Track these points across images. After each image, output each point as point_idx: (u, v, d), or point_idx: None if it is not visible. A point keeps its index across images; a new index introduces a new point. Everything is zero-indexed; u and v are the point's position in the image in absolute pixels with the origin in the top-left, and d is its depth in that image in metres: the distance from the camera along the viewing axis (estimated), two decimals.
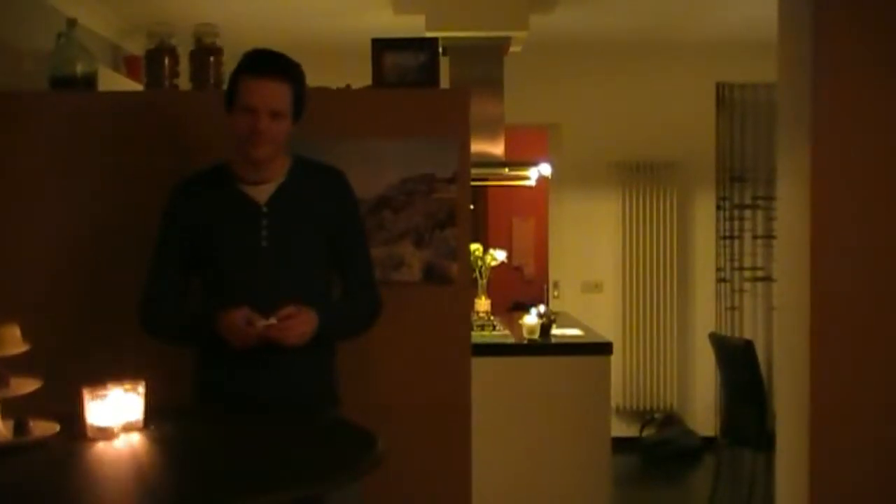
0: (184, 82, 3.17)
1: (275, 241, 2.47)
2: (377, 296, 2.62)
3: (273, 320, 2.34)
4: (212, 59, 3.11)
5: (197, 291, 2.56)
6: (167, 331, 2.55)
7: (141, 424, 2.16)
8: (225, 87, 2.54)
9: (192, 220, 2.50)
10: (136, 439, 2.11)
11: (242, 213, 2.48)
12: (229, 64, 3.15)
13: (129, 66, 4.57)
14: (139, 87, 3.57)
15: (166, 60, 3.13)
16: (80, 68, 3.06)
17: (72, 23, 3.10)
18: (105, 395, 2.10)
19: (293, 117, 2.45)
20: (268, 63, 2.42)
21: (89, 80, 3.09)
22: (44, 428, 2.08)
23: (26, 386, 2.11)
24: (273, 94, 2.39)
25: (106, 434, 2.09)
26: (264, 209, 2.48)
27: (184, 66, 3.15)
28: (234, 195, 2.49)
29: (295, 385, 2.47)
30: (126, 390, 2.14)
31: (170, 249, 2.52)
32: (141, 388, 2.17)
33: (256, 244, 2.46)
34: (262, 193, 2.48)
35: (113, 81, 3.88)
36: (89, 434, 2.09)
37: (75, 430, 2.09)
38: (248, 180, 2.48)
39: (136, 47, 4.82)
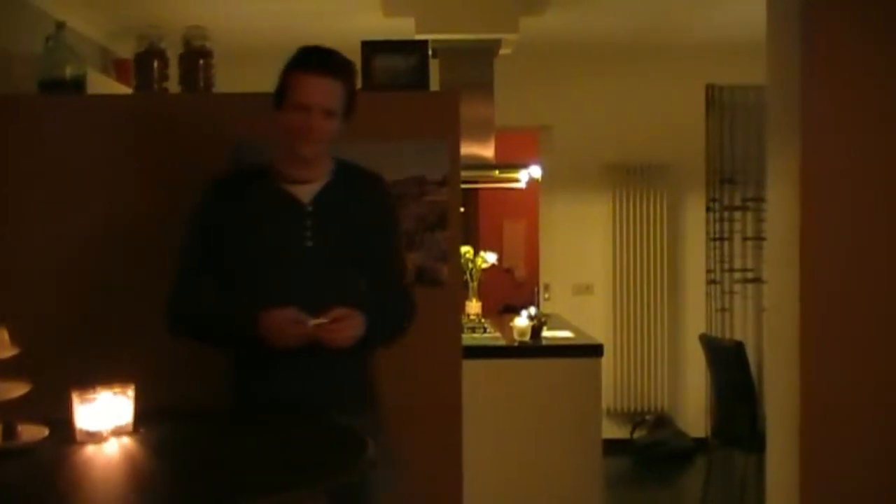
0: (173, 85, 3.16)
1: (320, 241, 2.42)
2: (413, 301, 2.59)
3: (323, 320, 2.29)
4: (201, 61, 3.10)
5: (226, 291, 2.46)
6: (199, 331, 2.47)
7: (131, 428, 2.15)
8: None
9: (227, 219, 2.43)
10: (125, 443, 2.10)
11: (285, 212, 2.43)
12: (219, 67, 3.15)
13: (118, 69, 4.55)
14: (128, 90, 3.56)
15: (155, 63, 3.12)
16: (68, 71, 3.05)
17: (60, 25, 3.09)
18: (94, 399, 2.09)
19: (343, 115, 2.42)
20: (323, 61, 2.38)
21: (78, 84, 3.07)
22: (32, 432, 2.07)
23: (14, 390, 2.10)
24: (327, 92, 2.35)
25: (95, 438, 2.08)
26: (308, 208, 2.43)
27: (173, 69, 3.14)
28: (276, 193, 2.44)
29: (338, 388, 2.43)
30: (115, 393, 2.12)
31: (201, 248, 2.45)
32: (130, 392, 2.16)
33: (301, 244, 2.41)
34: (305, 192, 2.44)
35: (102, 84, 3.87)
36: (78, 438, 2.08)
37: (64, 435, 2.08)
38: (291, 179, 2.44)
39: (126, 50, 4.81)
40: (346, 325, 2.31)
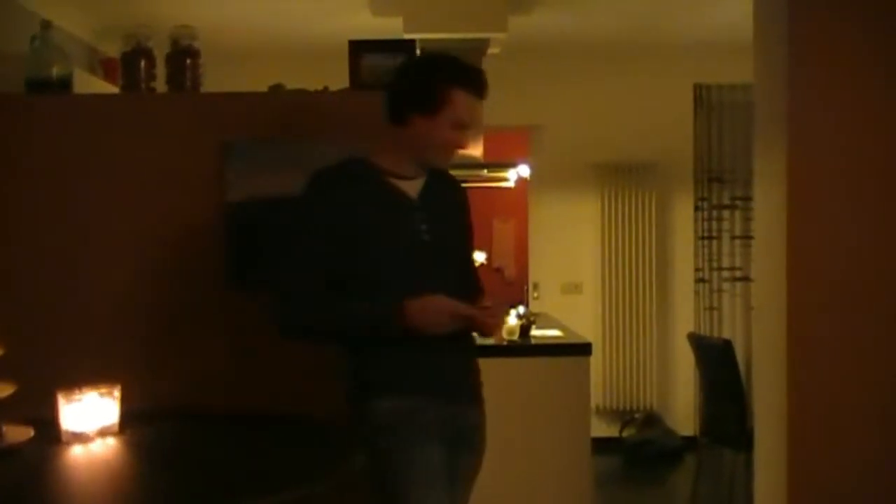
0: (160, 85, 3.15)
1: (434, 236, 2.46)
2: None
3: (487, 305, 2.41)
4: (189, 61, 3.09)
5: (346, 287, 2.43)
6: (319, 325, 2.41)
7: (117, 429, 2.14)
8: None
9: (337, 213, 2.40)
10: (111, 444, 2.09)
11: (397, 207, 2.45)
12: (207, 66, 3.14)
13: (105, 68, 4.53)
14: (115, 89, 3.55)
15: (142, 63, 3.10)
16: (55, 71, 3.03)
17: (46, 24, 3.07)
18: (80, 400, 2.08)
19: None
20: (484, 86, 2.45)
21: (65, 83, 3.06)
22: (18, 433, 2.06)
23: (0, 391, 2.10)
24: (481, 114, 2.48)
25: (81, 439, 2.07)
26: (418, 203, 2.47)
27: (161, 68, 3.13)
28: (385, 187, 2.45)
29: (471, 377, 2.57)
30: (101, 394, 2.12)
31: (312, 243, 2.41)
32: (116, 392, 2.15)
33: (417, 238, 2.44)
34: (411, 188, 2.48)
35: (89, 84, 3.85)
36: (64, 439, 2.07)
37: (50, 435, 2.07)
38: (397, 175, 2.46)
39: (113, 49, 4.79)
40: (498, 311, 2.45)
